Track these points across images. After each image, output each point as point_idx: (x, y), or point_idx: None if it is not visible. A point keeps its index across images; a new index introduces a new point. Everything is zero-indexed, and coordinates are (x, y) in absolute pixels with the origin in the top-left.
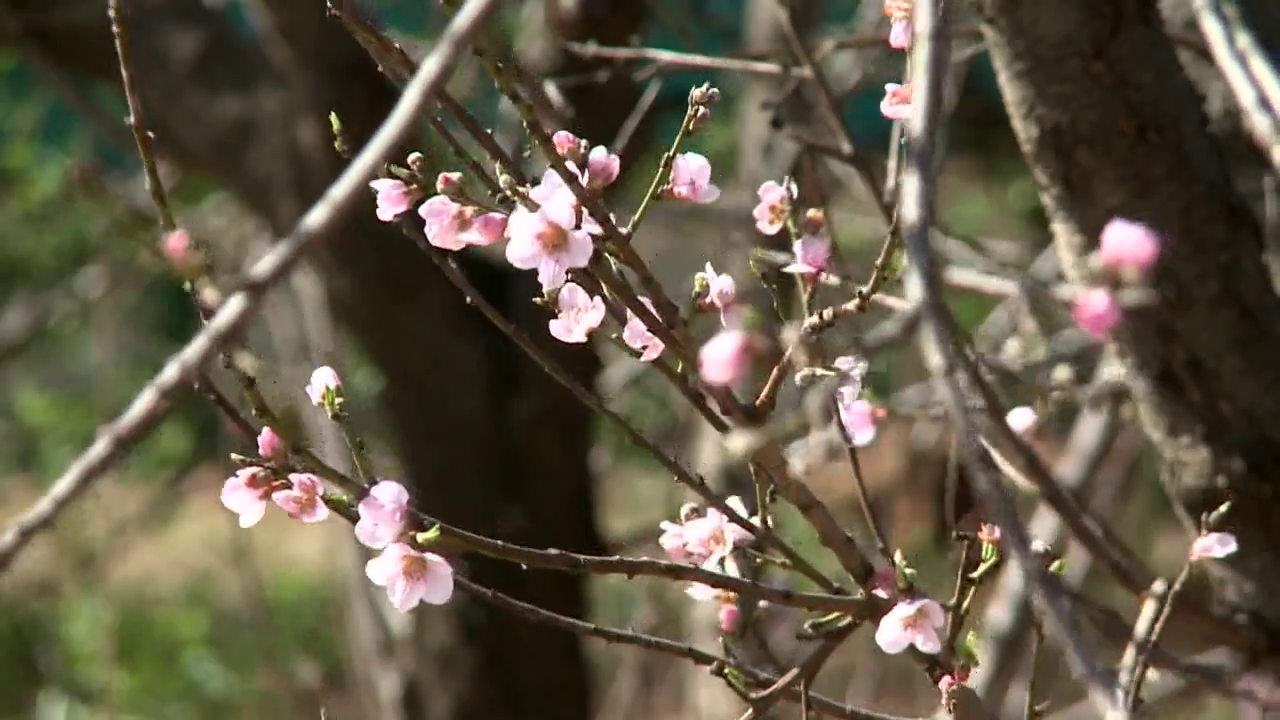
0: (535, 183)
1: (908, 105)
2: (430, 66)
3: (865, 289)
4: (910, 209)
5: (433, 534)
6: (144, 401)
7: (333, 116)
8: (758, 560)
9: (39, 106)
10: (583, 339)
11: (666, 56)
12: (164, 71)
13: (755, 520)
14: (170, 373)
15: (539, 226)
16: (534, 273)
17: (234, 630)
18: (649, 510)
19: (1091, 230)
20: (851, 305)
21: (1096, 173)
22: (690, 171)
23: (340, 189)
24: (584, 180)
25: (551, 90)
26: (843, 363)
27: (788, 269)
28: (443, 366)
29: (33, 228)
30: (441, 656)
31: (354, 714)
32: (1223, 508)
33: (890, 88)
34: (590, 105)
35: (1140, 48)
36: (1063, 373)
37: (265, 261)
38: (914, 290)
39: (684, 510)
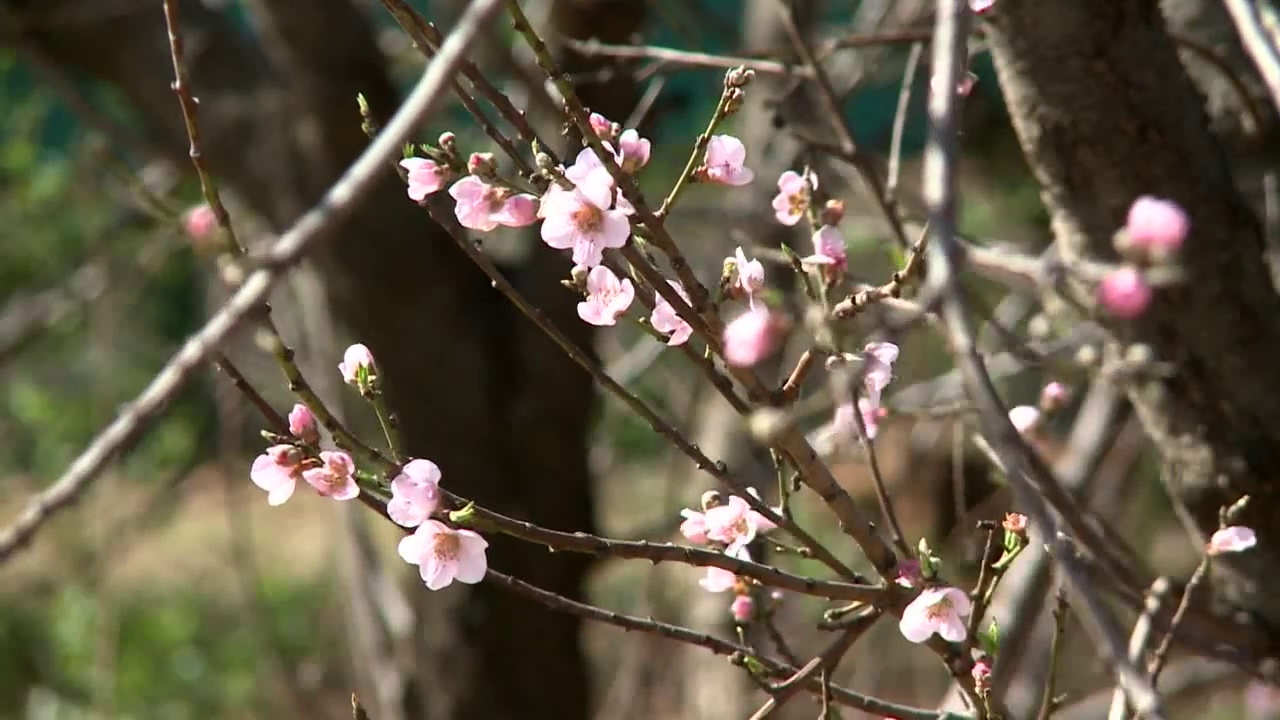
0: (568, 164)
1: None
2: (453, 44)
3: (901, 271)
4: (934, 189)
5: (466, 512)
6: (165, 379)
7: (360, 100)
8: (778, 549)
9: (39, 106)
10: (611, 322)
11: (668, 55)
12: (164, 71)
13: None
14: (192, 350)
15: (574, 206)
16: (535, 270)
17: (233, 630)
18: (649, 510)
19: (1093, 229)
20: (886, 289)
21: (1098, 172)
22: (725, 154)
23: (362, 167)
24: (619, 160)
25: (552, 89)
26: (870, 347)
27: (808, 261)
28: (443, 366)
29: (32, 227)
30: (441, 656)
31: (354, 714)
32: (1240, 502)
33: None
34: (592, 104)
35: (1142, 47)
36: (1087, 354)
37: (287, 240)
38: (938, 270)
39: (705, 497)
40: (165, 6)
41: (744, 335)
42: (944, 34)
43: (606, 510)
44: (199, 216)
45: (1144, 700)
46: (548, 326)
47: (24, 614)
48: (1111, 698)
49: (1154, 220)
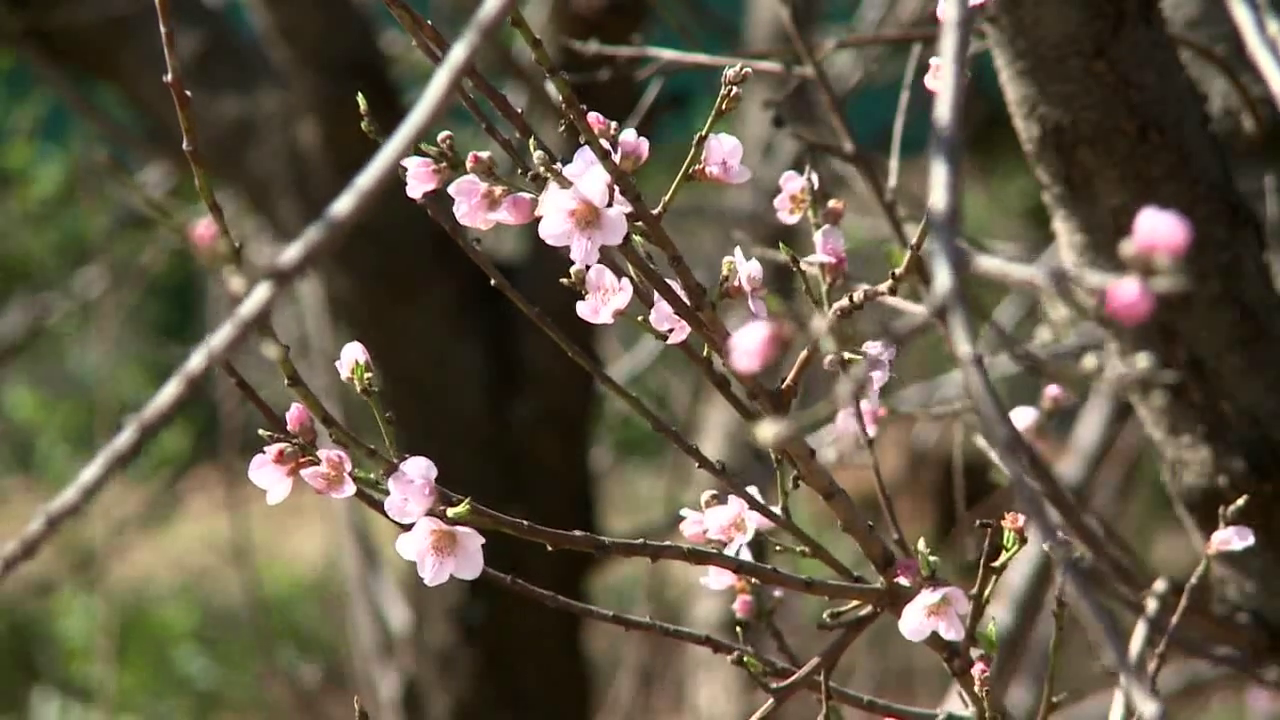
0: (566, 162)
1: None
2: (458, 53)
3: (898, 269)
4: (938, 196)
5: (463, 509)
6: (170, 390)
7: (359, 98)
8: (777, 548)
9: (39, 106)
10: (610, 320)
11: (668, 55)
12: (163, 71)
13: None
14: (197, 360)
15: (571, 203)
16: (534, 269)
17: (232, 629)
18: (649, 510)
19: (1093, 229)
20: (884, 286)
21: (1098, 172)
22: (723, 151)
23: (366, 177)
24: (616, 158)
25: (550, 87)
26: (870, 348)
27: (808, 260)
28: (443, 366)
29: (32, 227)
30: (441, 656)
31: (354, 714)
32: (1240, 502)
33: (934, 62)
34: (591, 104)
35: (1142, 47)
36: (1090, 361)
37: (291, 249)
38: (941, 278)
39: (704, 496)
40: (156, 1)
41: (748, 344)
42: (948, 42)
43: (606, 510)
44: (204, 227)
45: (1149, 709)
46: (548, 326)
47: (25, 613)
48: (1111, 698)
49: (1158, 228)
